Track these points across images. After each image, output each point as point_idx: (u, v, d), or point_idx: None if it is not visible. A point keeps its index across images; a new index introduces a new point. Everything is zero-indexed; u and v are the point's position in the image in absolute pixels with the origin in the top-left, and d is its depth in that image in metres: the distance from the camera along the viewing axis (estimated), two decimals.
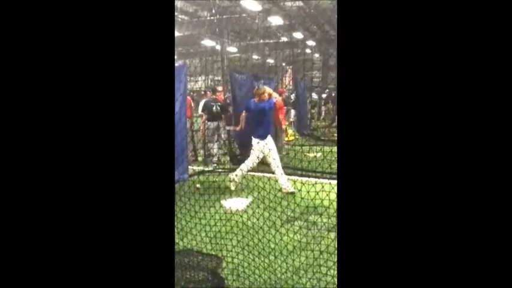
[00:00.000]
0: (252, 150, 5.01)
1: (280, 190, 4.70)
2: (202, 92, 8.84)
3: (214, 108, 6.92)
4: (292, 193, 4.57)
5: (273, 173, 4.86)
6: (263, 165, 5.29)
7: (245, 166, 5.01)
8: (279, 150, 7.39)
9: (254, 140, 4.94)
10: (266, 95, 4.96)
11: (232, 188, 5.04)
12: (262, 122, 4.91)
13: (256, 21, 14.39)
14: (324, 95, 15.66)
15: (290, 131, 9.55)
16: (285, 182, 4.80)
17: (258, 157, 4.92)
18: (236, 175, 5.07)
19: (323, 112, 15.52)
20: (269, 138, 4.93)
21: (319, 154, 7.07)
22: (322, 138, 9.93)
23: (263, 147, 4.81)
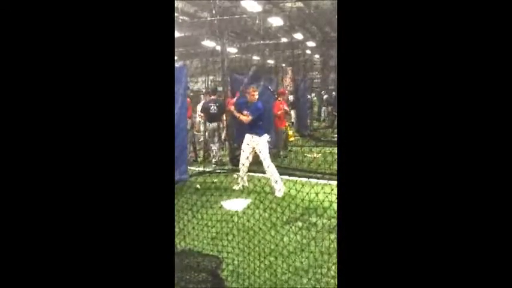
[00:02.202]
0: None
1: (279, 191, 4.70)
2: (202, 94, 8.86)
3: (212, 109, 6.91)
4: (280, 196, 4.56)
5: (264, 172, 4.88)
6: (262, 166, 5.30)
7: (240, 164, 5.08)
8: (280, 151, 7.39)
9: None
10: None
11: (236, 188, 5.04)
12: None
13: (257, 22, 14.38)
14: (325, 96, 15.64)
15: (291, 132, 9.56)
16: (275, 185, 4.77)
17: (243, 150, 4.98)
18: (239, 175, 5.10)
19: (323, 113, 15.50)
20: (251, 137, 4.91)
21: (319, 155, 7.06)
22: (322, 139, 9.92)
23: (250, 140, 4.87)
